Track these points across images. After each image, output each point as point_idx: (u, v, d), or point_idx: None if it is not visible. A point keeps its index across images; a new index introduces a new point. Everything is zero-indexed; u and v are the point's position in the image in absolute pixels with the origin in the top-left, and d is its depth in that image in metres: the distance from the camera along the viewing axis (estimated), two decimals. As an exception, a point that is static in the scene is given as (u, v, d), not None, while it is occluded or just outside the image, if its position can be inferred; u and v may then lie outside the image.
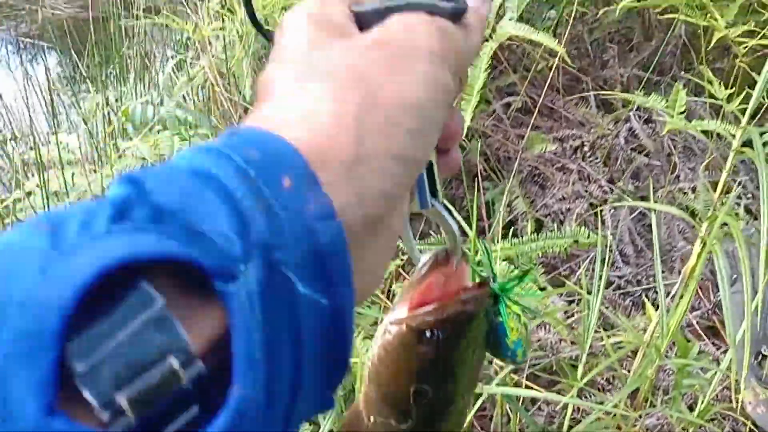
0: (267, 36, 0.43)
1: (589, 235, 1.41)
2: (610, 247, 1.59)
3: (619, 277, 1.64)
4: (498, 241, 1.44)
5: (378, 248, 0.30)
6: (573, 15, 1.92)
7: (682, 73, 2.08)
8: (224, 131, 0.28)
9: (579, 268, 1.65)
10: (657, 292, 1.60)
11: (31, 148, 2.23)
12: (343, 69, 0.29)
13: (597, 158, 1.78)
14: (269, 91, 0.30)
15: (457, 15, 0.33)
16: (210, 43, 1.76)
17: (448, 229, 0.39)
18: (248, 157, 0.24)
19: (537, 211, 1.70)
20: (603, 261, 1.24)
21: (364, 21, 0.33)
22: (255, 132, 0.27)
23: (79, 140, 1.77)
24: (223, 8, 1.73)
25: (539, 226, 1.70)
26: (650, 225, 1.73)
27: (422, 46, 0.30)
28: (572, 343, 1.46)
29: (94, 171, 1.71)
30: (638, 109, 1.92)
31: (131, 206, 0.22)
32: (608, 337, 1.18)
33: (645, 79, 2.06)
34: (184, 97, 1.87)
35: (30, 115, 2.32)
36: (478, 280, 0.42)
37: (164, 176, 0.24)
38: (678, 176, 1.79)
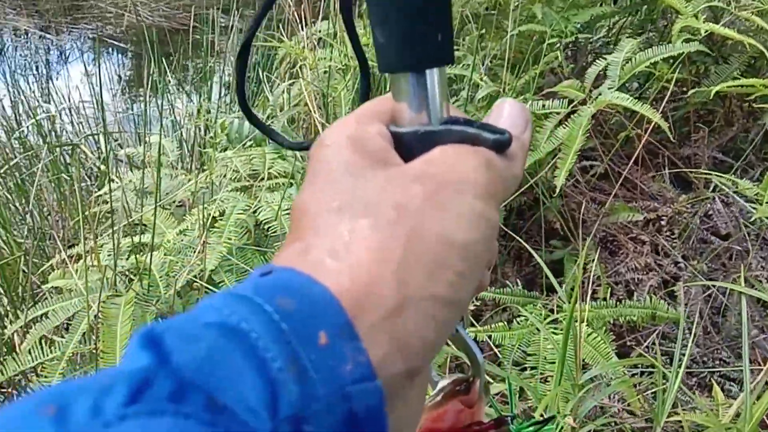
0: (299, 147, 0.43)
1: (667, 309, 1.41)
2: (680, 323, 1.58)
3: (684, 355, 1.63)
4: (568, 302, 1.45)
5: (414, 398, 0.28)
6: (660, 91, 1.96)
7: (760, 162, 2.09)
8: (258, 267, 0.27)
9: (645, 340, 1.65)
10: (724, 376, 1.59)
11: (120, 146, 2.32)
12: (386, 204, 0.27)
13: (673, 234, 1.79)
14: (306, 220, 0.28)
15: (501, 147, 0.30)
16: (310, 68, 1.83)
17: (472, 358, 0.36)
18: (282, 308, 0.23)
19: (608, 277, 1.71)
20: (675, 338, 1.24)
21: (402, 143, 0.32)
22: (290, 275, 0.25)
23: (171, 144, 1.83)
24: (332, 37, 1.81)
25: (607, 293, 1.70)
26: (720, 307, 1.73)
27: (468, 181, 0.28)
28: (634, 414, 1.45)
29: (184, 174, 1.77)
30: (715, 189, 1.93)
31: (150, 381, 0.20)
32: (683, 412, 1.18)
33: (722, 161, 2.08)
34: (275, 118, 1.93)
35: (103, 115, 2.40)
36: (496, 416, 0.39)
37: (190, 333, 0.22)
38: (751, 264, 1.78)
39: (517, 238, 1.59)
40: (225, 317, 0.23)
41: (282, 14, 2.49)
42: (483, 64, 1.85)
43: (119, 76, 3.15)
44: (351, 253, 0.26)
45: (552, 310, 1.46)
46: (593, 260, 1.56)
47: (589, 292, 1.70)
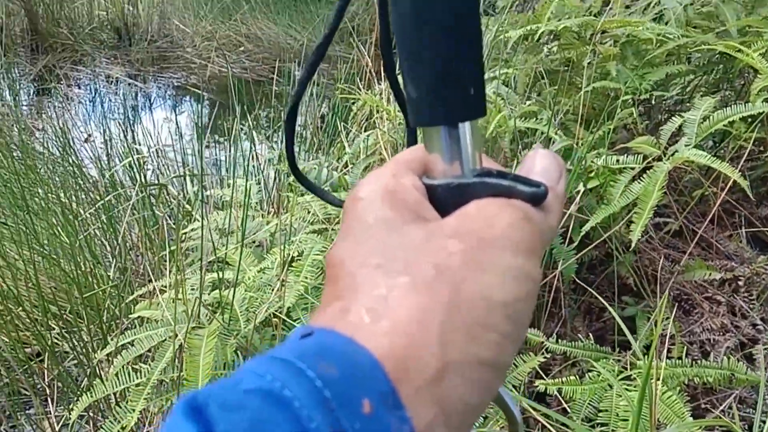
0: (333, 202, 0.43)
1: (746, 372, 1.36)
2: (760, 388, 1.52)
3: (765, 423, 1.56)
4: (641, 359, 1.43)
5: None
6: (736, 149, 1.93)
7: None
8: (298, 329, 0.26)
9: (720, 403, 1.59)
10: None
11: (204, 188, 2.44)
12: (425, 262, 0.27)
13: (750, 295, 1.74)
14: (344, 276, 0.28)
15: (537, 199, 0.30)
16: (387, 119, 1.91)
17: (511, 418, 0.36)
18: (325, 374, 0.23)
19: (682, 336, 1.67)
20: (754, 402, 1.20)
21: (436, 195, 0.31)
22: (332, 337, 0.25)
23: (252, 186, 1.93)
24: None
25: (682, 352, 1.66)
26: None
27: (507, 237, 0.27)
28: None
29: (261, 216, 1.86)
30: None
31: None
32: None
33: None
34: (351, 164, 2.01)
35: (182, 158, 2.53)
36: None
37: (233, 402, 0.22)
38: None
39: (591, 290, 1.58)
40: (268, 383, 0.22)
41: (360, 68, 2.60)
42: (556, 119, 1.89)
43: (201, 123, 3.34)
44: (391, 314, 0.25)
45: (624, 367, 1.44)
46: (667, 318, 1.53)
47: (664, 350, 1.66)
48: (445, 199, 0.31)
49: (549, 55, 2.13)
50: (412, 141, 0.41)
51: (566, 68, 2.11)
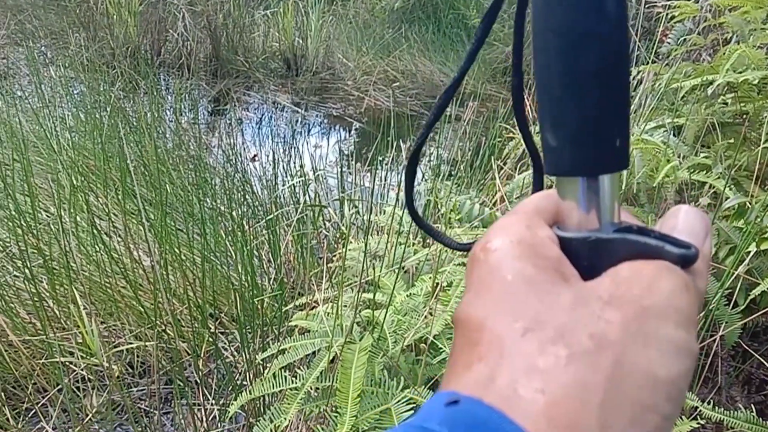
0: (451, 245, 0.41)
1: None
2: None
3: None
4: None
5: None
6: None
7: None
8: (442, 393, 0.25)
9: None
10: None
11: (358, 212, 2.57)
12: (581, 331, 0.25)
13: None
14: (486, 338, 0.26)
15: (687, 262, 0.27)
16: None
17: None
18: None
19: None
20: None
21: (570, 249, 0.29)
22: (483, 411, 0.23)
23: (406, 216, 2.01)
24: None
25: None
26: None
27: (670, 307, 0.25)
28: None
29: (412, 245, 1.92)
30: None
31: None
32: None
33: None
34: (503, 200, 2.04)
35: (339, 182, 2.65)
36: None
37: None
38: None
39: (759, 357, 1.47)
40: None
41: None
42: (728, 174, 1.79)
43: (355, 151, 3.53)
44: (547, 388, 0.23)
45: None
46: None
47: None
48: (580, 254, 0.29)
49: (723, 107, 2.04)
50: (538, 187, 0.39)
51: (741, 121, 2.00)
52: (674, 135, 2.03)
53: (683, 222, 0.29)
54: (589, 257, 0.29)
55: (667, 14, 2.42)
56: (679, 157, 1.83)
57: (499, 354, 0.25)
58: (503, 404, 0.23)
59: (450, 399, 0.24)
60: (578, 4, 0.28)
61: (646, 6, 3.60)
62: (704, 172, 1.74)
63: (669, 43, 2.49)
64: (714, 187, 1.69)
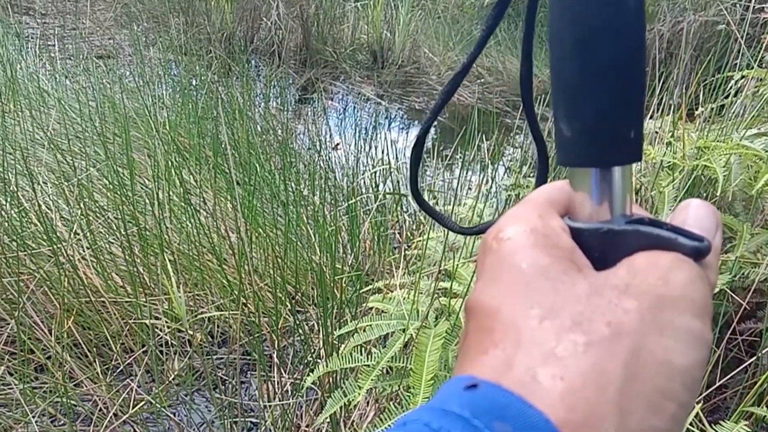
0: (471, 232, 0.40)
1: None
2: None
3: None
4: None
5: None
6: None
7: None
8: (460, 377, 0.25)
9: None
10: None
11: (437, 203, 2.59)
12: (597, 320, 0.25)
13: None
14: (500, 325, 0.26)
15: (700, 255, 0.27)
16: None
17: None
18: None
19: None
20: None
21: (581, 239, 0.29)
22: (503, 395, 0.23)
23: (488, 209, 2.01)
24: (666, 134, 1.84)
25: None
26: None
27: (685, 297, 0.25)
28: None
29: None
30: None
31: None
32: None
33: None
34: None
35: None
36: None
37: None
38: None
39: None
40: None
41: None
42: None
43: (437, 145, 3.54)
44: (565, 374, 0.24)
45: None
46: None
47: None
48: (592, 245, 0.29)
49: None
50: (543, 175, 0.40)
51: None
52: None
53: (694, 216, 0.29)
54: (600, 248, 0.29)
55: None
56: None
57: (515, 341, 0.25)
58: (522, 390, 0.23)
59: (469, 383, 0.24)
60: None
61: (754, 12, 3.43)
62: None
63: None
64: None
